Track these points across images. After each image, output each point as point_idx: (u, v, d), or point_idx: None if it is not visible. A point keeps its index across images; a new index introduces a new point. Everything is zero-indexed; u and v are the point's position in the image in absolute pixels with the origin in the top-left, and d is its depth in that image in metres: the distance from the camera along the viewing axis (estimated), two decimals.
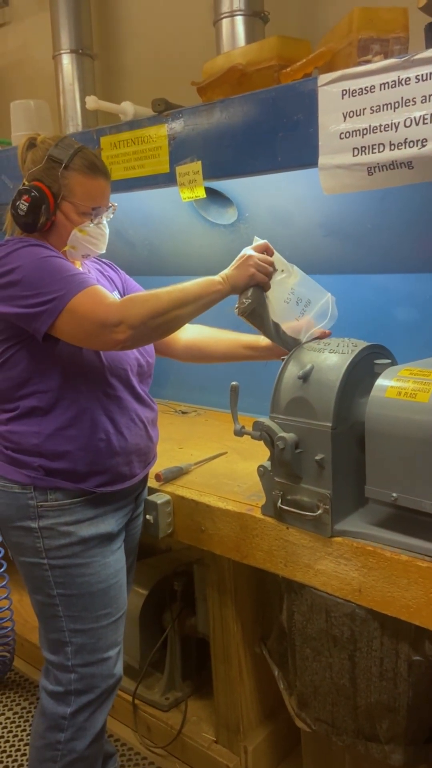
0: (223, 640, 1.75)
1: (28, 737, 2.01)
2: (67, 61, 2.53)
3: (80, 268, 1.52)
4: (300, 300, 1.50)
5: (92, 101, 2.01)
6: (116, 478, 1.47)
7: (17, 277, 1.33)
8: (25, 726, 2.10)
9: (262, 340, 1.60)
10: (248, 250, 1.42)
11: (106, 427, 1.43)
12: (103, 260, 1.68)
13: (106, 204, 1.49)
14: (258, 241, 1.43)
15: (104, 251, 1.52)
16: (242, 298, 1.41)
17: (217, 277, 1.39)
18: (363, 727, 1.43)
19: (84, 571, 1.44)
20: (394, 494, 1.27)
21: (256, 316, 1.43)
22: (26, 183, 1.43)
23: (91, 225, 1.46)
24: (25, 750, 1.99)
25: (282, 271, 1.44)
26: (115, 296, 1.49)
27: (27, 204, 1.39)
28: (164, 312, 1.31)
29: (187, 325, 1.70)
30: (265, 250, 1.43)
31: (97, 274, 1.61)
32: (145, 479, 1.62)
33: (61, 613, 1.45)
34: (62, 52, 2.53)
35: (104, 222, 1.49)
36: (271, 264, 1.42)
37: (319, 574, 1.39)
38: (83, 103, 2.40)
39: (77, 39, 2.53)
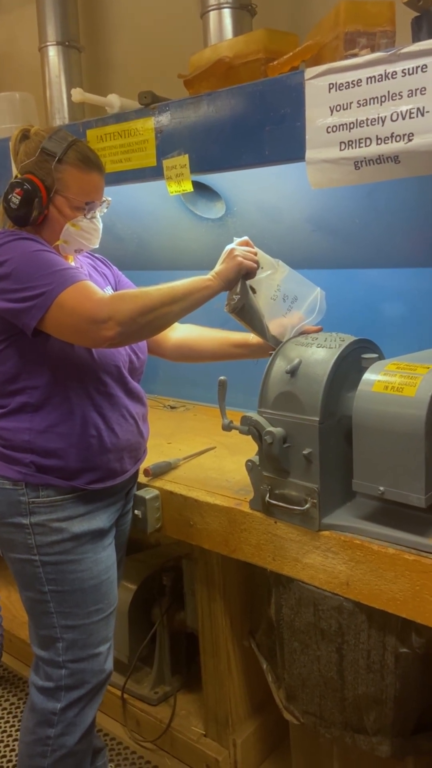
0: (212, 634, 1.76)
1: (18, 733, 2.01)
2: (53, 53, 2.50)
3: (73, 263, 1.51)
4: (287, 296, 1.50)
5: (78, 93, 2.00)
6: (107, 475, 1.47)
7: (7, 270, 1.32)
8: (14, 722, 2.10)
9: (252, 339, 1.60)
10: (230, 245, 1.43)
11: (97, 423, 1.43)
12: (96, 255, 1.67)
13: (100, 198, 1.47)
14: (237, 240, 1.45)
15: (97, 246, 1.51)
16: (232, 295, 1.41)
17: (207, 275, 1.39)
18: (350, 719, 1.44)
19: (76, 567, 1.43)
20: (381, 488, 1.27)
21: (246, 313, 1.44)
22: (19, 176, 1.42)
23: (85, 220, 1.45)
24: (14, 746, 1.99)
25: (263, 268, 1.45)
26: (107, 292, 1.48)
27: (19, 197, 1.38)
28: (154, 309, 1.31)
29: (177, 325, 1.70)
30: (247, 245, 1.44)
31: (90, 269, 1.60)
32: (135, 475, 1.62)
33: (53, 610, 1.44)
34: (48, 44, 2.51)
35: (98, 217, 1.48)
36: (255, 254, 1.43)
37: (306, 568, 1.40)
38: (70, 95, 2.38)
39: (64, 31, 2.50)
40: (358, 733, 1.44)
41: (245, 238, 1.45)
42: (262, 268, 1.44)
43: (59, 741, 1.48)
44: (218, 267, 1.40)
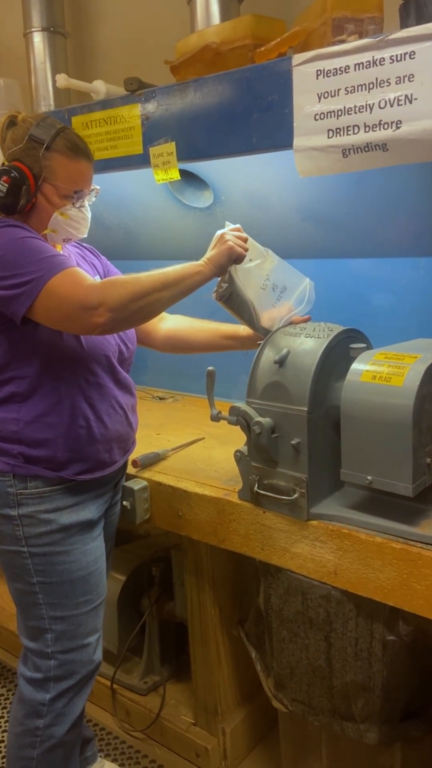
0: (201, 623, 1.76)
1: (6, 724, 2.01)
2: (38, 39, 2.47)
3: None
4: (276, 286, 1.49)
5: (62, 79, 1.97)
6: (96, 466, 1.46)
7: None
8: (2, 713, 2.10)
9: (242, 330, 1.60)
10: (221, 231, 1.42)
11: (87, 413, 1.42)
12: (85, 245, 1.66)
13: (89, 187, 1.46)
14: (230, 225, 1.44)
15: (86, 235, 1.50)
16: (221, 282, 1.41)
17: (199, 261, 1.38)
18: (339, 707, 1.45)
19: (64, 558, 1.43)
20: (369, 477, 1.27)
21: (234, 302, 1.43)
22: (6, 163, 1.40)
23: (73, 208, 1.43)
24: (2, 737, 1.99)
25: (251, 260, 1.44)
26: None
27: (7, 185, 1.36)
28: (144, 295, 1.29)
29: (167, 316, 1.69)
30: (238, 231, 1.44)
31: (78, 258, 1.58)
32: (124, 466, 1.61)
33: (41, 601, 1.44)
34: (33, 30, 2.47)
35: (86, 205, 1.47)
36: (245, 240, 1.42)
37: (295, 557, 1.40)
38: (55, 81, 2.35)
39: (49, 17, 2.46)
40: (346, 721, 1.45)
41: (238, 225, 1.44)
42: (250, 259, 1.44)
43: (48, 732, 1.48)
44: (209, 252, 1.39)
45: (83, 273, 1.32)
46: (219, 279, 1.41)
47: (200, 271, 1.36)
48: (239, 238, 1.41)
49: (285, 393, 1.36)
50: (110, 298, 1.26)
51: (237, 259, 1.39)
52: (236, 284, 1.41)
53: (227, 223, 1.44)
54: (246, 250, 1.41)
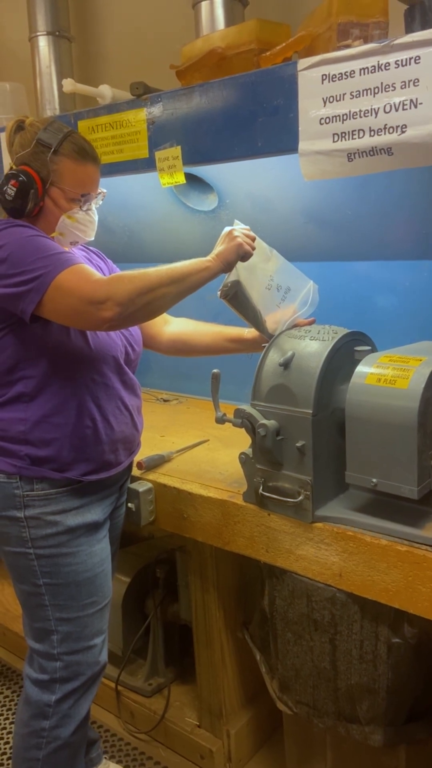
0: (206, 625, 1.76)
1: (12, 726, 2.01)
2: (43, 43, 2.48)
3: None
4: (280, 287, 1.50)
5: (69, 84, 1.99)
6: (102, 466, 1.46)
7: (2, 255, 1.31)
8: (8, 714, 2.10)
9: (247, 333, 1.60)
10: (229, 227, 1.42)
11: (93, 414, 1.43)
12: (91, 248, 1.67)
13: (96, 190, 1.47)
14: (239, 224, 1.44)
15: (93, 238, 1.51)
16: (226, 281, 1.41)
17: (206, 257, 1.38)
18: (343, 709, 1.45)
19: (70, 560, 1.43)
20: (374, 480, 1.28)
21: (239, 301, 1.43)
22: (14, 167, 1.41)
23: (80, 212, 1.44)
24: (8, 738, 1.99)
25: (257, 260, 1.44)
26: None
27: (15, 189, 1.37)
28: (152, 289, 1.30)
29: (171, 319, 1.70)
30: (246, 230, 1.44)
31: (85, 261, 1.59)
32: (129, 467, 1.62)
33: (47, 602, 1.44)
34: (38, 34, 2.48)
35: (93, 209, 1.48)
36: (253, 239, 1.42)
37: (300, 560, 1.40)
38: (60, 86, 2.37)
39: (54, 21, 2.48)
40: (351, 723, 1.45)
41: (247, 227, 1.44)
42: (256, 260, 1.44)
43: (54, 733, 1.48)
44: (218, 248, 1.39)
45: (90, 269, 1.33)
46: (225, 277, 1.41)
47: (208, 266, 1.36)
48: (247, 236, 1.41)
49: (290, 395, 1.36)
50: (118, 293, 1.26)
51: (244, 256, 1.40)
52: (241, 283, 1.42)
53: (236, 221, 1.44)
54: (253, 248, 1.41)
